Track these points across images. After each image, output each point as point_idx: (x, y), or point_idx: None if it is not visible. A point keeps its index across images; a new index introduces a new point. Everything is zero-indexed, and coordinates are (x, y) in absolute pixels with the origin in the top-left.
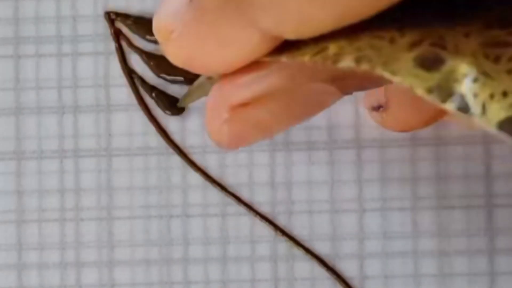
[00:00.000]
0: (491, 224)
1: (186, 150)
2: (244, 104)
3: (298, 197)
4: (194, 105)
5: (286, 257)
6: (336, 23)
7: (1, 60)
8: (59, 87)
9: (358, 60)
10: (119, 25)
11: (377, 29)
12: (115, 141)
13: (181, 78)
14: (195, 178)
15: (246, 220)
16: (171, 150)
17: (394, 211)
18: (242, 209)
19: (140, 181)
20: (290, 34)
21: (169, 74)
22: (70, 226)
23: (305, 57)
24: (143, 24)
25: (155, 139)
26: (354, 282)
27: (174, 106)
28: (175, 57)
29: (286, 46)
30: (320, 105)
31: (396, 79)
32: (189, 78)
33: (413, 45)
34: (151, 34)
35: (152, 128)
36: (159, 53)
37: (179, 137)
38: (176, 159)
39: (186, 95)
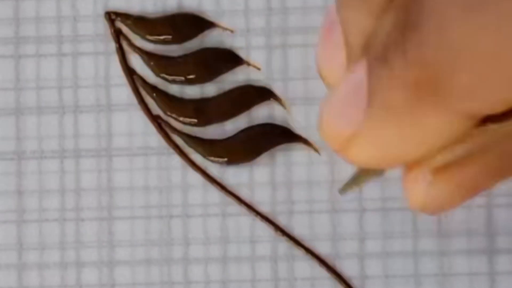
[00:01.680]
0: (491, 224)
1: (186, 150)
2: (447, 165)
3: (298, 197)
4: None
5: (286, 257)
6: None
7: (2, 60)
8: (59, 87)
9: None
10: (120, 25)
11: None
12: (115, 141)
13: (181, 78)
14: (195, 178)
15: (246, 220)
16: (171, 150)
17: (394, 211)
18: (242, 209)
19: (141, 181)
20: (499, 109)
21: (169, 74)
22: (70, 226)
23: None
24: (143, 24)
25: (156, 139)
26: (354, 282)
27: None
28: (364, 160)
29: None
30: None
31: None
32: (190, 78)
33: None
34: (151, 34)
35: (152, 128)
36: (159, 53)
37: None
38: (176, 159)
39: (350, 183)
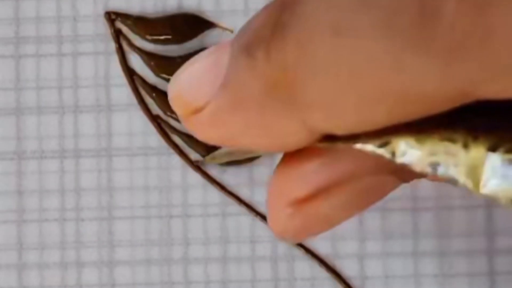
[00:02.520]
0: (491, 224)
1: (186, 150)
2: (306, 198)
3: None
4: None
5: (286, 257)
6: (397, 119)
7: (2, 60)
8: (59, 87)
9: (433, 166)
10: (120, 25)
11: (444, 128)
12: (115, 141)
13: None
14: (195, 178)
15: (246, 220)
16: (171, 150)
17: (394, 211)
18: (242, 209)
19: (141, 181)
20: (342, 131)
21: (169, 74)
22: (70, 226)
23: (367, 147)
24: (143, 24)
25: (155, 139)
26: (354, 282)
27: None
28: (204, 136)
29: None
30: (382, 194)
31: (481, 191)
32: None
33: (490, 150)
34: (151, 34)
35: (152, 128)
36: (159, 53)
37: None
38: (176, 159)
39: (213, 157)
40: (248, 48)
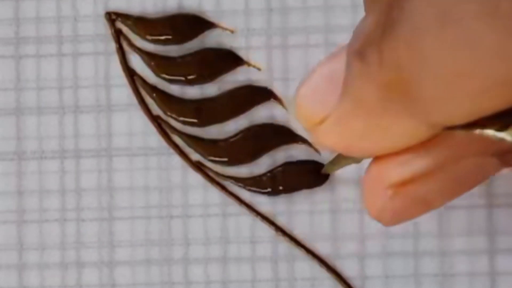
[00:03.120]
0: (491, 224)
1: (187, 150)
2: (405, 182)
3: (299, 198)
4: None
5: (286, 257)
6: (509, 103)
7: (2, 60)
8: (59, 87)
9: None
10: (120, 25)
11: None
12: (115, 141)
13: (181, 78)
14: (195, 178)
15: (246, 220)
16: (171, 150)
17: None
18: (242, 209)
19: (141, 181)
20: (461, 121)
21: (169, 74)
22: (70, 226)
23: (487, 132)
24: (143, 25)
25: (156, 139)
26: (354, 282)
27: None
28: (328, 144)
29: None
30: (482, 177)
31: None
32: (190, 78)
33: None
34: (152, 34)
35: (152, 128)
36: (159, 53)
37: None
38: (177, 159)
39: (333, 163)
40: (360, 52)
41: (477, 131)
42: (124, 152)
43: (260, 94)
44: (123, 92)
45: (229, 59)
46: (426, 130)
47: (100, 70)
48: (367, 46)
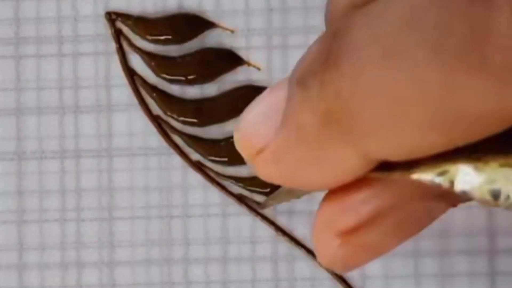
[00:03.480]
0: (492, 223)
1: (187, 150)
2: (352, 229)
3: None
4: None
5: (286, 257)
6: (453, 143)
7: (2, 61)
8: (59, 87)
9: (495, 196)
10: (120, 25)
11: (502, 153)
12: (115, 141)
13: (181, 78)
14: (195, 178)
15: (246, 220)
16: (171, 150)
17: None
18: (242, 209)
19: (141, 181)
20: (400, 157)
21: (169, 74)
22: (70, 227)
23: (425, 177)
24: (143, 25)
25: (156, 139)
26: (354, 282)
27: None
28: (267, 176)
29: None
30: (429, 220)
31: None
32: (190, 78)
33: None
34: (152, 34)
35: (152, 128)
36: (159, 53)
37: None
38: (177, 159)
39: (272, 198)
40: (302, 80)
41: (415, 176)
42: (124, 152)
43: (259, 94)
44: (123, 92)
45: (229, 59)
46: (362, 164)
47: (100, 70)
48: (309, 74)
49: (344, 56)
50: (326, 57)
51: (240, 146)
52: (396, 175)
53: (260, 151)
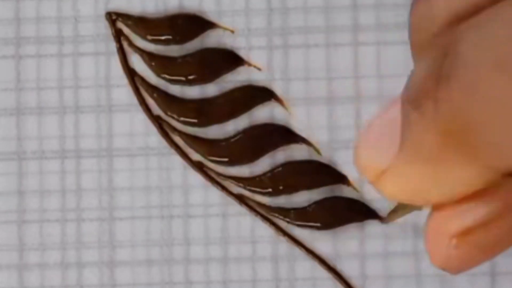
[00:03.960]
0: None
1: (187, 151)
2: (468, 231)
3: (299, 197)
4: None
5: (287, 257)
6: None
7: (2, 61)
8: (60, 87)
9: None
10: (120, 25)
11: None
12: (116, 141)
13: (182, 79)
14: (196, 178)
15: (247, 220)
16: (172, 150)
17: None
18: (243, 209)
19: (141, 182)
20: None
21: (170, 75)
22: (71, 227)
23: None
24: (144, 25)
25: (156, 140)
26: (355, 282)
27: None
28: (391, 195)
29: None
30: None
31: None
32: (190, 78)
33: None
34: (152, 34)
35: (153, 129)
36: (160, 53)
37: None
38: (177, 160)
39: (395, 211)
40: (416, 102)
41: None
42: (125, 152)
43: (260, 94)
44: (123, 92)
45: (229, 59)
46: (487, 176)
47: (100, 70)
48: (422, 96)
49: (457, 71)
50: (437, 75)
51: (361, 168)
52: None
53: (382, 172)
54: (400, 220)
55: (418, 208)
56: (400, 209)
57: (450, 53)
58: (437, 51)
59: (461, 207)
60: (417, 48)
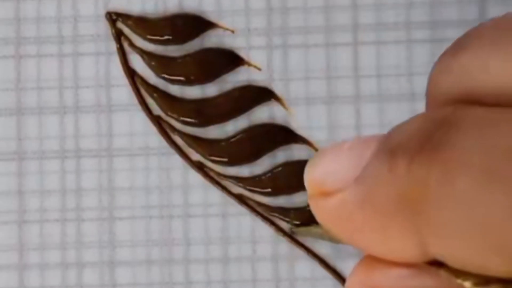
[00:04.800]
0: None
1: (187, 151)
2: None
3: (299, 197)
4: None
5: (287, 257)
6: None
7: (2, 61)
8: (60, 87)
9: None
10: (120, 25)
11: None
12: (116, 141)
13: (182, 79)
14: (196, 178)
15: (247, 220)
16: (172, 150)
17: None
18: (243, 209)
19: (141, 181)
20: (457, 265)
21: (169, 75)
22: (71, 227)
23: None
24: (144, 25)
25: (156, 140)
26: None
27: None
28: (323, 219)
29: None
30: None
31: None
32: (190, 78)
33: None
34: (152, 34)
35: (153, 128)
36: (160, 53)
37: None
38: (177, 159)
39: (309, 230)
40: (393, 151)
41: (464, 283)
42: (125, 152)
43: (260, 94)
44: (123, 92)
45: (229, 59)
46: (418, 254)
47: (100, 70)
48: (402, 149)
49: (444, 150)
50: (425, 140)
51: (307, 178)
52: (443, 274)
53: (325, 194)
54: None
55: (336, 242)
56: (319, 231)
57: (446, 127)
58: (438, 117)
59: (388, 271)
60: (429, 99)
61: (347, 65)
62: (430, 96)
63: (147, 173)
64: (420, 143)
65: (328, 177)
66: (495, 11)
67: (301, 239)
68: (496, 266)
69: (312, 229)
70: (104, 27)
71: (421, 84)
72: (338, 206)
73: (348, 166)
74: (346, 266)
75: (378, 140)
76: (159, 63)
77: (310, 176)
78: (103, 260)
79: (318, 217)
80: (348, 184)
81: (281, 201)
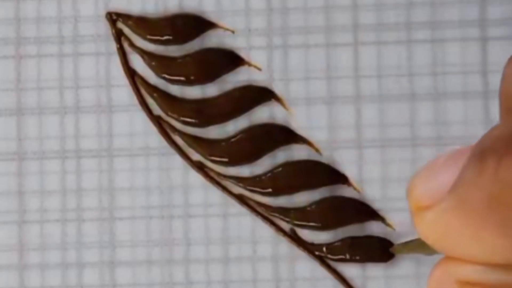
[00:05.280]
0: None
1: (187, 151)
2: (474, 284)
3: (299, 197)
4: None
5: (287, 257)
6: None
7: (3, 61)
8: (60, 87)
9: None
10: (121, 25)
11: None
12: (116, 141)
13: (182, 79)
14: (196, 178)
15: (247, 220)
16: (172, 150)
17: (394, 211)
18: (243, 209)
19: (142, 182)
20: None
21: (170, 75)
22: (71, 227)
23: None
24: (144, 25)
25: (156, 140)
26: (354, 282)
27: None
28: (423, 232)
29: None
30: None
31: None
32: (190, 78)
33: None
34: (152, 34)
35: (153, 129)
36: (160, 53)
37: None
38: (177, 159)
39: (404, 247)
40: (482, 154)
41: None
42: (125, 152)
43: (260, 94)
44: (124, 92)
45: (230, 59)
46: None
47: (101, 70)
48: (490, 150)
49: None
50: (510, 139)
51: (409, 194)
52: None
53: (426, 208)
54: (400, 219)
55: (430, 253)
56: (414, 246)
57: None
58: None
59: (472, 265)
60: (504, 110)
61: (347, 65)
62: (505, 94)
63: (148, 173)
64: (506, 143)
65: (425, 190)
66: (495, 11)
67: (301, 239)
68: None
69: (408, 244)
70: (104, 27)
71: (421, 84)
72: (436, 217)
73: (443, 179)
74: (346, 266)
75: (470, 148)
76: (159, 63)
77: (410, 195)
78: (103, 260)
79: (418, 231)
80: (444, 195)
81: (281, 201)
